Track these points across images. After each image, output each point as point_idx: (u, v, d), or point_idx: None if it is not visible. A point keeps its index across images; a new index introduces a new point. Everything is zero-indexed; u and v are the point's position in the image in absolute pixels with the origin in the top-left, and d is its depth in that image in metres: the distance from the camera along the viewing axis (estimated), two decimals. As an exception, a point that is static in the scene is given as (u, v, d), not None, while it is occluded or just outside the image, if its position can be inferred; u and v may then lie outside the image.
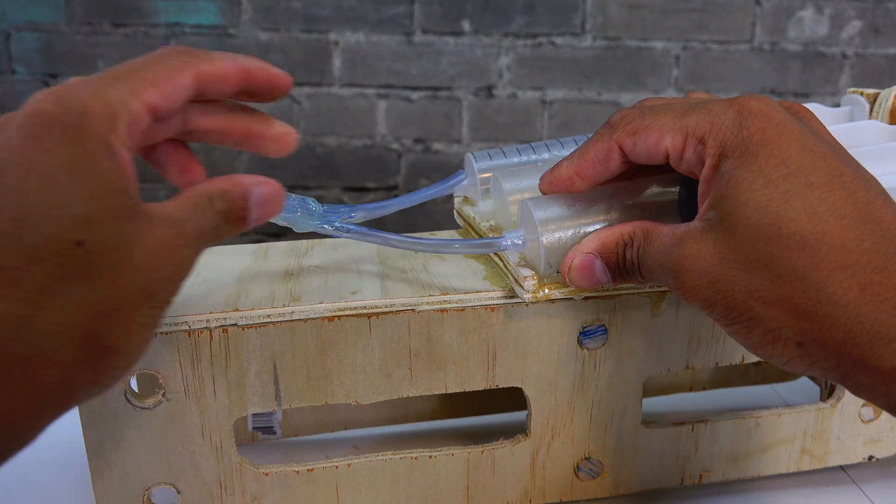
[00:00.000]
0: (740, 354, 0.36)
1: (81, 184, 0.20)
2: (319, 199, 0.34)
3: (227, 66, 0.25)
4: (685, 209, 0.30)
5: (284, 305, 0.31)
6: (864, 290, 0.23)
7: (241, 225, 0.26)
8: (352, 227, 0.33)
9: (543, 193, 0.32)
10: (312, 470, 0.34)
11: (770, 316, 0.24)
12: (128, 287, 0.21)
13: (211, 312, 0.30)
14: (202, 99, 0.26)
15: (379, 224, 0.37)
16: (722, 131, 0.26)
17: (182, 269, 0.23)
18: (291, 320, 0.31)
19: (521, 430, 0.35)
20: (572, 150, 0.40)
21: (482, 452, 0.35)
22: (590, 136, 0.41)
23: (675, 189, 0.31)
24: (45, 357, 0.19)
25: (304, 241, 0.41)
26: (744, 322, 0.25)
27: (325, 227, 0.33)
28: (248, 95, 0.27)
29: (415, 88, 1.30)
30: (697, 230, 0.26)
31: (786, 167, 0.24)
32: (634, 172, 0.31)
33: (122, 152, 0.22)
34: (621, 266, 0.29)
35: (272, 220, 0.32)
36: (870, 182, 0.25)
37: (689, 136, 0.27)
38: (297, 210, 0.32)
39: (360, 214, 0.35)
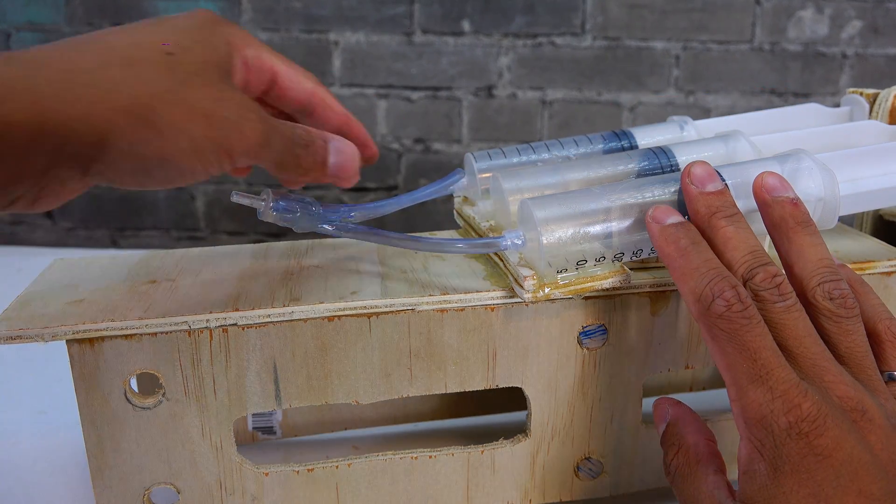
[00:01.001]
0: (740, 354, 0.36)
1: (196, 37, 0.26)
2: (319, 199, 0.34)
3: (337, 104, 0.31)
4: (684, 209, 0.30)
5: (284, 305, 0.31)
6: None
7: (320, 163, 0.30)
8: (351, 226, 0.33)
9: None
10: (312, 470, 0.34)
11: None
12: (194, 101, 0.25)
13: (211, 312, 0.30)
14: (311, 117, 0.31)
15: (379, 224, 0.37)
16: (763, 430, 0.25)
17: (245, 126, 0.26)
18: (291, 320, 0.31)
19: (521, 429, 0.35)
20: (572, 150, 0.40)
21: (482, 452, 0.35)
22: (591, 135, 0.41)
23: (675, 189, 0.31)
24: (101, 96, 0.23)
25: (304, 241, 0.41)
26: None
27: (325, 227, 0.33)
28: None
29: (415, 88, 1.30)
30: None
31: (814, 499, 0.23)
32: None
33: (240, 59, 0.28)
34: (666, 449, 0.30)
35: (271, 221, 0.32)
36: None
37: (744, 422, 0.26)
38: (297, 210, 0.32)
39: (359, 214, 0.34)
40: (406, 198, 0.37)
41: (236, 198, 0.31)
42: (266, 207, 0.32)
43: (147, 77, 0.24)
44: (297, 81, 0.30)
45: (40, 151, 0.22)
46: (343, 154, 0.30)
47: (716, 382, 0.49)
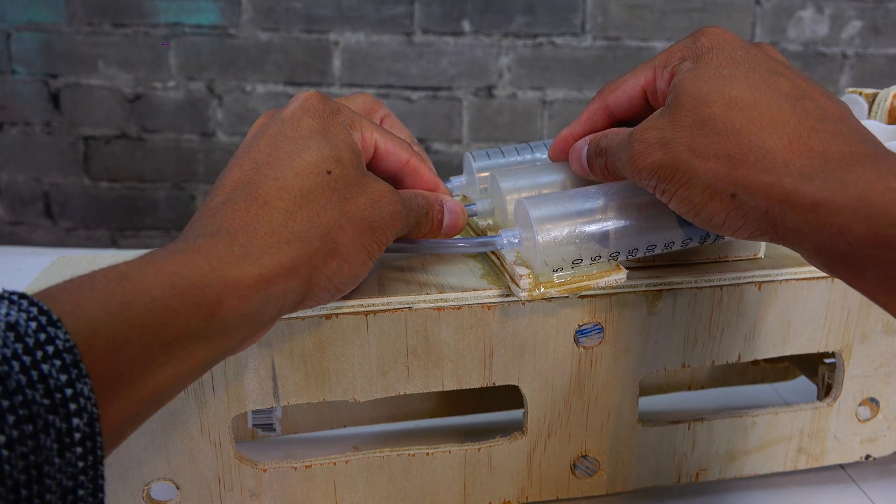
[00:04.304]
0: (736, 353, 0.36)
1: (332, 140, 0.28)
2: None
3: (428, 171, 0.33)
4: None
5: (282, 303, 0.31)
6: (793, 142, 0.25)
7: (437, 225, 0.33)
8: None
9: (552, 160, 0.36)
10: (310, 466, 0.34)
11: (708, 170, 0.26)
12: (358, 214, 0.28)
13: (209, 310, 0.31)
14: (402, 183, 0.33)
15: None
16: (680, 51, 0.30)
17: (396, 219, 0.29)
18: (289, 318, 0.31)
19: (518, 427, 0.36)
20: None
21: (479, 450, 0.35)
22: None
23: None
24: (301, 245, 0.26)
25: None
26: (685, 184, 0.27)
27: None
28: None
29: (415, 88, 1.30)
30: (655, 114, 0.29)
31: (732, 59, 0.28)
32: None
33: (358, 141, 0.30)
34: (594, 150, 0.33)
35: None
36: (813, 81, 0.28)
37: (658, 68, 0.30)
38: None
39: None
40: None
41: None
42: None
43: (322, 211, 0.27)
44: (394, 154, 0.32)
45: (268, 315, 0.25)
46: (455, 214, 0.33)
47: (715, 381, 0.49)
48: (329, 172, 0.27)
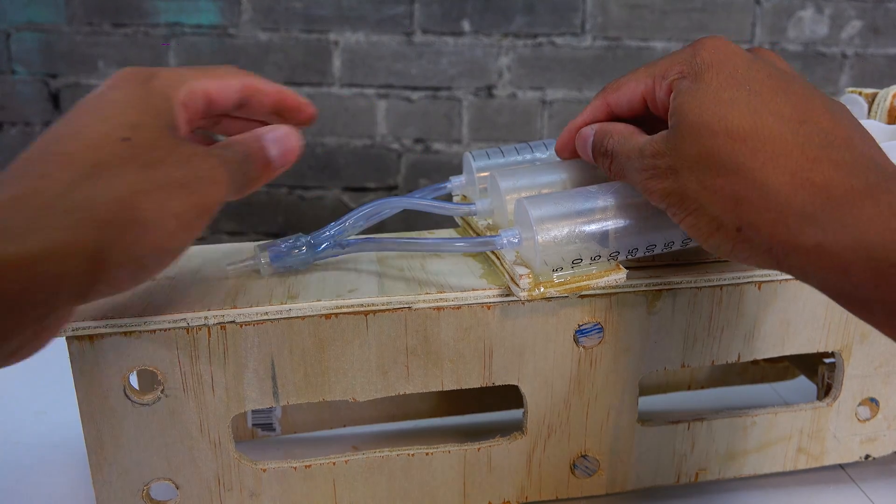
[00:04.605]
0: (736, 353, 0.36)
1: (137, 106, 0.27)
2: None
3: (266, 84, 0.31)
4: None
5: (282, 303, 0.31)
6: (795, 175, 0.25)
7: (266, 164, 0.30)
8: (348, 241, 0.35)
9: (559, 152, 0.36)
10: (310, 466, 0.34)
11: (714, 203, 0.26)
12: (166, 178, 0.25)
13: (209, 309, 0.31)
14: (246, 107, 0.32)
15: (379, 224, 0.37)
16: (680, 63, 0.29)
17: (215, 179, 0.27)
18: (289, 317, 0.31)
19: (517, 427, 0.36)
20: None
21: (479, 450, 0.35)
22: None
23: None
24: (84, 216, 0.23)
25: (303, 240, 0.41)
26: (694, 213, 0.27)
27: (324, 251, 0.35)
28: (279, 116, 0.32)
29: (415, 88, 1.30)
30: (661, 135, 0.29)
31: (733, 79, 0.27)
32: None
33: (177, 104, 0.28)
34: (599, 149, 0.32)
35: (274, 273, 0.34)
36: (815, 95, 0.27)
37: (657, 78, 0.30)
38: (291, 253, 0.34)
39: (350, 231, 0.35)
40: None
41: (231, 270, 0.34)
42: (265, 267, 0.34)
43: (117, 177, 0.24)
44: (226, 87, 0.30)
45: (35, 302, 0.22)
46: (279, 142, 0.30)
47: (714, 381, 0.49)
48: (126, 139, 0.25)
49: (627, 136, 0.31)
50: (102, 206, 0.23)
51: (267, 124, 0.32)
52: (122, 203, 0.24)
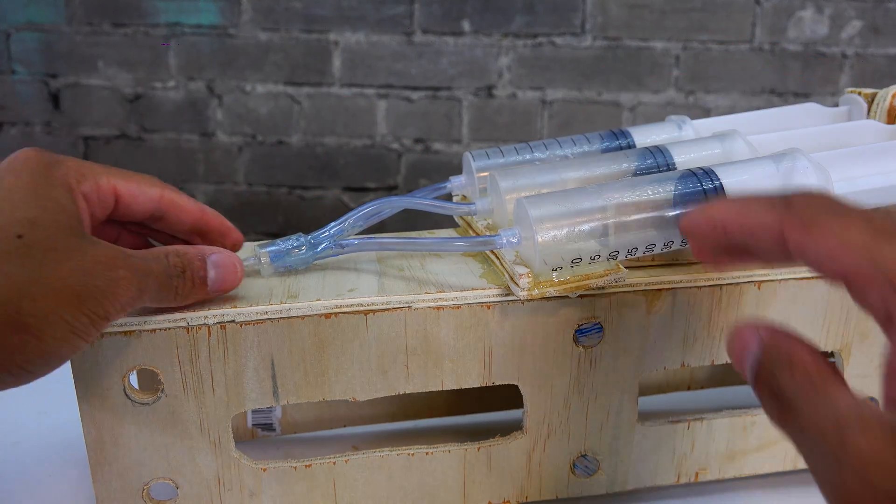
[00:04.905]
0: (736, 352, 0.36)
1: (36, 200, 0.25)
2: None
3: (188, 201, 0.31)
4: (679, 207, 0.31)
5: (282, 302, 0.31)
6: None
7: (200, 284, 0.29)
8: (348, 240, 0.35)
9: (684, 232, 0.25)
10: (310, 466, 0.34)
11: None
12: (59, 282, 0.24)
13: (209, 309, 0.31)
14: (163, 221, 0.31)
15: (379, 224, 0.37)
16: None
17: (118, 287, 0.25)
18: (289, 317, 0.31)
19: (517, 427, 0.36)
20: (571, 149, 0.40)
21: (478, 449, 0.35)
22: (588, 134, 0.41)
23: (672, 189, 0.31)
24: None
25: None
26: None
27: (323, 251, 0.34)
28: (200, 237, 0.32)
29: (415, 88, 1.30)
30: (888, 426, 0.19)
31: None
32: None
33: (80, 197, 0.27)
34: (766, 381, 0.22)
35: (275, 273, 0.34)
36: None
37: (881, 276, 0.20)
38: (291, 252, 0.34)
39: (350, 232, 0.35)
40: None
41: None
42: (265, 266, 0.34)
43: (6, 276, 0.23)
44: (140, 192, 0.29)
45: None
46: (223, 268, 0.30)
47: (714, 381, 0.49)
48: (20, 237, 0.24)
49: (820, 386, 0.21)
50: None
51: (192, 244, 0.31)
52: (8, 306, 0.22)
